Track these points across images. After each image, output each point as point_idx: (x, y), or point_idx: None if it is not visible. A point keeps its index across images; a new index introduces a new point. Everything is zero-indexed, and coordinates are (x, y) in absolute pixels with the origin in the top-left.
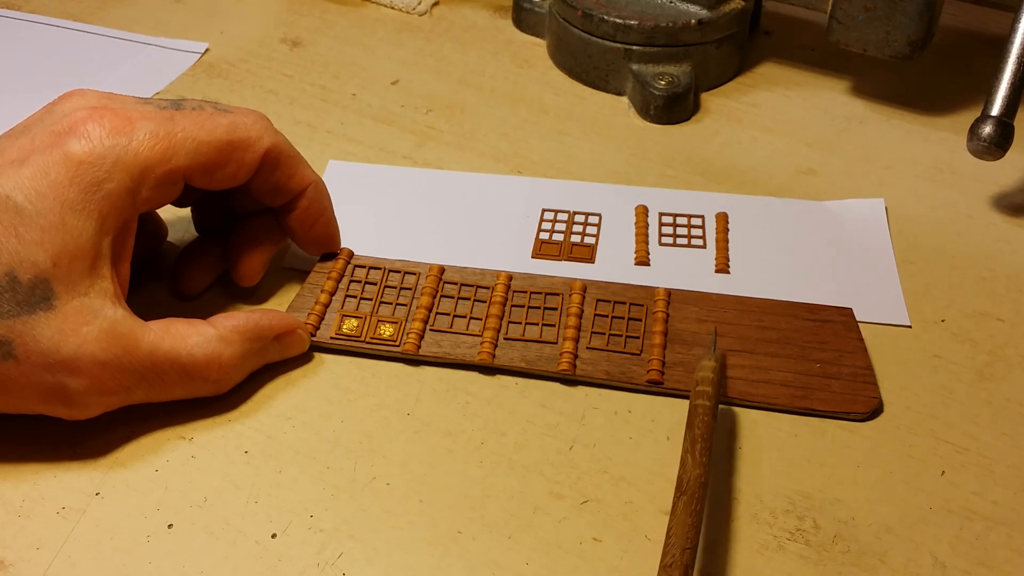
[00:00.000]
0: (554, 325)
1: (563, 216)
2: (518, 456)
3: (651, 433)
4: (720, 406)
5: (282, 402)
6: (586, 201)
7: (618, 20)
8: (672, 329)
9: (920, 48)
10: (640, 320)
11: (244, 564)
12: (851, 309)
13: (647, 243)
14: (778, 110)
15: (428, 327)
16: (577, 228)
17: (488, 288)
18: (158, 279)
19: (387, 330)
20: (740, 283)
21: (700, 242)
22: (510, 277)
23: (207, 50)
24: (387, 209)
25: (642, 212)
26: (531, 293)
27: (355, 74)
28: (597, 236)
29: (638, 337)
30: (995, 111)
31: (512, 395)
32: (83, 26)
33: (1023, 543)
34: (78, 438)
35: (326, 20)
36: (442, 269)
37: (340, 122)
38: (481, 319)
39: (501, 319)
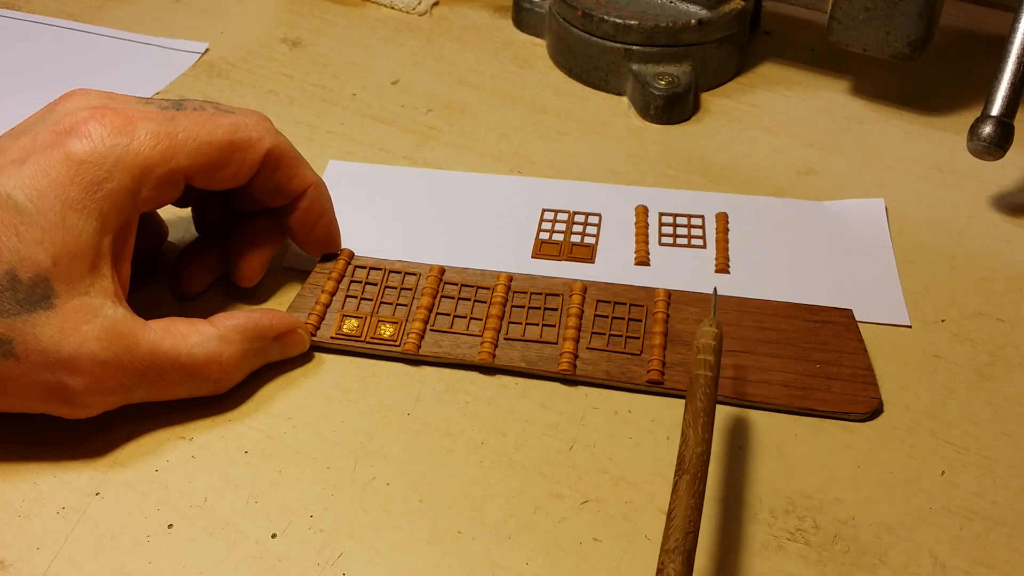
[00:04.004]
0: (554, 325)
1: (563, 216)
2: (518, 456)
3: (651, 433)
4: (721, 406)
5: (282, 402)
6: (586, 201)
7: (618, 20)
8: (672, 330)
9: (920, 48)
10: (640, 321)
11: (244, 564)
12: (851, 310)
13: (647, 243)
14: (778, 110)
15: (428, 327)
16: (577, 228)
17: (488, 289)
18: (158, 279)
19: (387, 330)
20: (740, 283)
21: (700, 242)
22: (510, 278)
23: (207, 50)
24: (387, 209)
25: (642, 212)
26: (531, 294)
27: (355, 74)
28: (597, 236)
29: (638, 337)
30: (995, 111)
31: (512, 395)
32: (83, 26)
33: (1023, 543)
34: (78, 438)
35: (326, 20)
36: (442, 270)
37: (340, 122)
38: (481, 319)
39: (501, 319)
